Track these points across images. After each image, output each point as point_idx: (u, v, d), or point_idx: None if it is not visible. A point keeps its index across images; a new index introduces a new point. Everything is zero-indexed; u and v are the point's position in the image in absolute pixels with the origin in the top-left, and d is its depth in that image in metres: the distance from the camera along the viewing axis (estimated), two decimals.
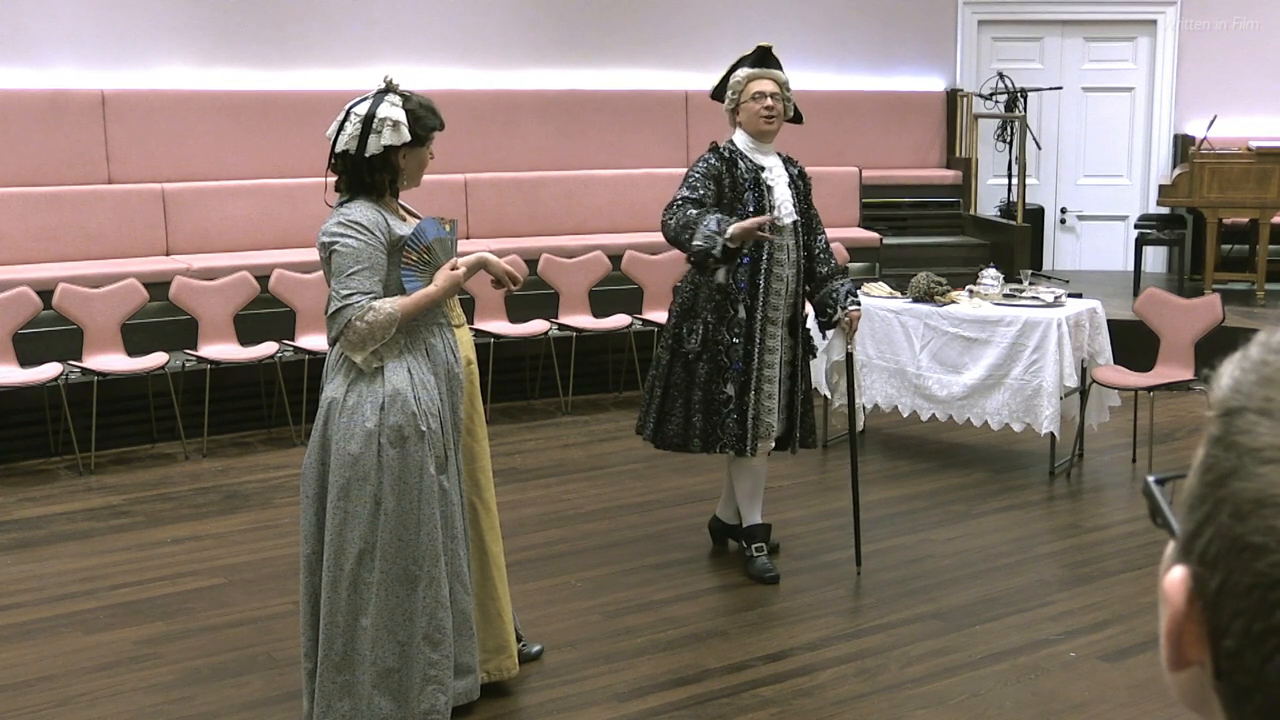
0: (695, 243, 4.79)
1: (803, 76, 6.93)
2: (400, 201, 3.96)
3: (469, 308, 7.84)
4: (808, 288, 5.15)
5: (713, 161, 4.99)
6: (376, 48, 8.81)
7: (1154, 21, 10.76)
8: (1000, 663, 4.40)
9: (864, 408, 5.41)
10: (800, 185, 5.12)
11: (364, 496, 3.71)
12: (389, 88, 3.82)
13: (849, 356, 5.30)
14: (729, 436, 4.98)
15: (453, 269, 3.81)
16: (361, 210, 3.74)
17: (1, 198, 7.68)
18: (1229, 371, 0.73)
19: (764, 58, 5.11)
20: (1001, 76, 10.49)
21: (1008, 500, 6.18)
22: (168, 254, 8.01)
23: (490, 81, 9.26)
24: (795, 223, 5.04)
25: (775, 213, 4.95)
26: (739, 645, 4.55)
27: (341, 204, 3.81)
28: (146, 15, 8.37)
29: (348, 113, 3.79)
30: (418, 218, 3.93)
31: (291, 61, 8.72)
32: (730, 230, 4.75)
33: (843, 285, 5.12)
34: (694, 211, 4.85)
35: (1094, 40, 10.95)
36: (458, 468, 3.90)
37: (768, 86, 5.02)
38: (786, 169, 5.10)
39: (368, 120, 3.74)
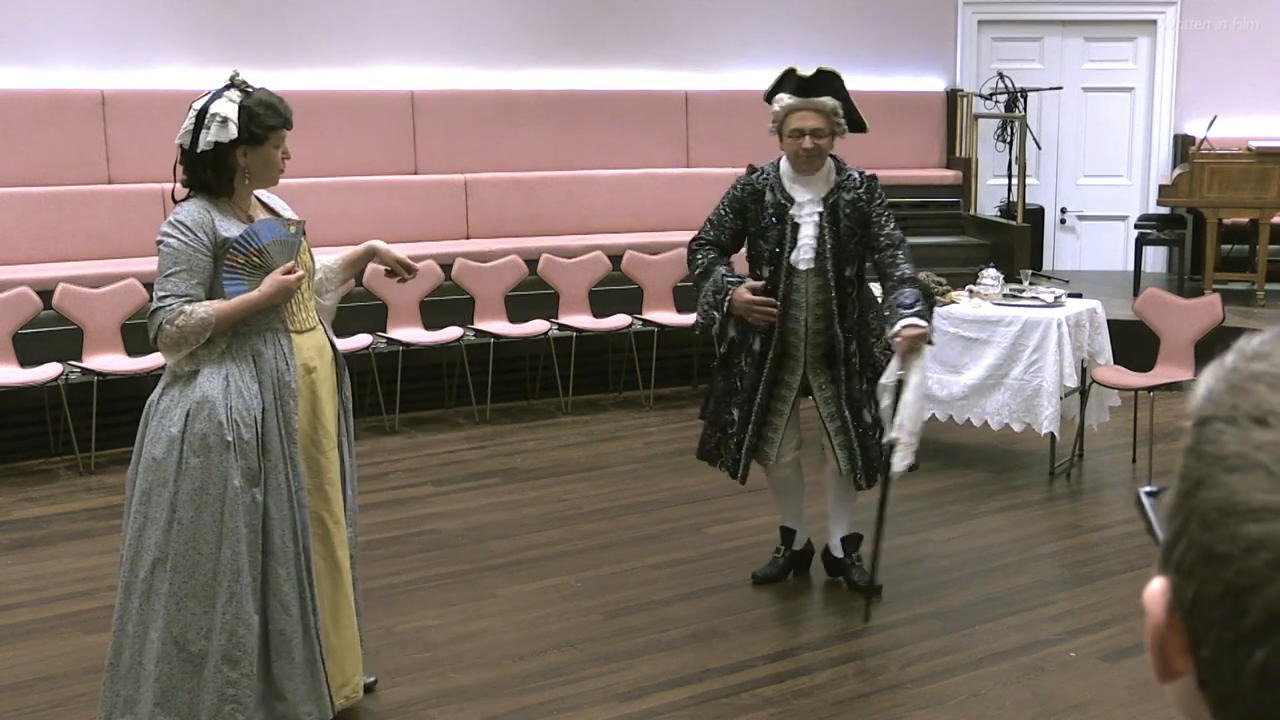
0: (698, 313, 4.80)
1: None
2: (265, 198, 3.82)
3: (469, 308, 7.85)
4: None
5: (736, 193, 4.82)
6: (376, 48, 8.80)
7: (1154, 22, 10.75)
8: (1000, 663, 4.40)
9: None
10: (848, 214, 4.72)
11: (162, 503, 3.57)
12: (232, 83, 3.68)
13: (899, 382, 4.59)
14: (728, 458, 4.96)
15: (287, 273, 3.61)
16: (189, 210, 3.62)
17: (1, 198, 7.67)
18: (1205, 379, 0.74)
19: (809, 88, 4.65)
20: (1001, 76, 10.48)
21: (1008, 500, 6.18)
22: None
23: (490, 81, 9.26)
24: (822, 264, 4.70)
25: (794, 254, 4.70)
26: (739, 645, 4.55)
27: (181, 200, 3.68)
28: (146, 15, 8.36)
29: (190, 106, 3.66)
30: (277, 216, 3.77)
31: (291, 61, 8.71)
32: (731, 303, 4.67)
33: (900, 298, 4.58)
34: (705, 259, 4.78)
35: (1094, 40, 10.95)
36: (288, 481, 3.66)
37: (808, 123, 4.63)
38: (838, 195, 4.72)
39: (200, 115, 3.60)
